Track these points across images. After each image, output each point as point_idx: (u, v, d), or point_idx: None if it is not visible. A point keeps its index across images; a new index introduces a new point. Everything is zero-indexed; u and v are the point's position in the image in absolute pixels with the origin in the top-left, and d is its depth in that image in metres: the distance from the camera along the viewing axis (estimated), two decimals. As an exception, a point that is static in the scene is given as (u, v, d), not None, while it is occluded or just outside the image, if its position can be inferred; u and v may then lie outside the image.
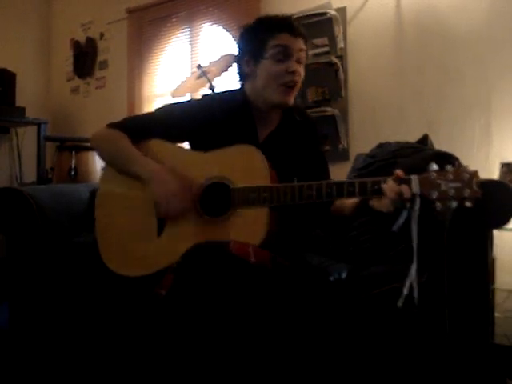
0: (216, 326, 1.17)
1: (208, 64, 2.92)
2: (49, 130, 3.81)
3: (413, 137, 2.12)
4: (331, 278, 1.47)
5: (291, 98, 1.47)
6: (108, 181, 1.55)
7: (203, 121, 1.49)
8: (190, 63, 3.71)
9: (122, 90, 3.98)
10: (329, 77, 2.94)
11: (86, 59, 4.23)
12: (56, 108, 4.47)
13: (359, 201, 1.36)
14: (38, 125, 3.67)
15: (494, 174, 2.35)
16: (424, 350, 1.40)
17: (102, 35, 4.18)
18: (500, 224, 1.42)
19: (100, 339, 1.62)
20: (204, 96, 1.61)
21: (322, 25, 2.93)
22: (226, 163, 1.41)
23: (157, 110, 1.59)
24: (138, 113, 3.86)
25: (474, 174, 1.17)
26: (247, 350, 1.20)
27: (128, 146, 1.47)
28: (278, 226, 1.38)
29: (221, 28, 3.55)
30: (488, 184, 1.32)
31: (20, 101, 3.77)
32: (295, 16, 2.92)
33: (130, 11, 3.95)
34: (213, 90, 2.92)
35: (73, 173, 3.20)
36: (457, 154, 1.82)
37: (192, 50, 3.72)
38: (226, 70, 3.01)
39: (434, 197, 1.18)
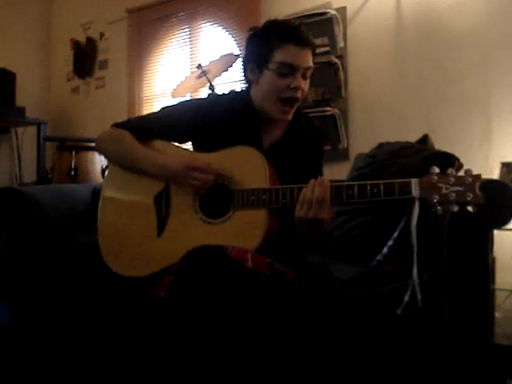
0: (213, 329, 1.17)
1: (208, 64, 2.92)
2: (49, 129, 3.80)
3: (413, 137, 2.12)
4: (343, 278, 1.46)
5: (290, 114, 1.45)
6: (111, 182, 1.56)
7: (207, 122, 1.49)
8: (189, 63, 3.71)
9: (122, 90, 3.98)
10: (329, 76, 2.94)
11: (85, 59, 4.23)
12: (56, 108, 4.47)
13: None
14: (38, 125, 3.66)
15: (494, 173, 2.35)
16: (424, 350, 1.40)
17: (101, 35, 4.18)
18: (500, 224, 1.41)
19: (99, 339, 1.62)
20: (209, 96, 1.60)
21: (322, 25, 2.92)
22: (227, 164, 1.41)
23: (160, 110, 1.58)
24: (137, 113, 3.87)
25: (477, 177, 1.15)
26: (244, 353, 1.20)
27: (134, 144, 1.48)
28: (277, 228, 1.38)
29: (220, 28, 3.55)
30: (488, 184, 1.32)
31: (20, 101, 3.76)
32: (295, 16, 2.93)
33: (129, 11, 3.95)
34: (213, 90, 2.92)
35: (73, 173, 3.19)
36: (457, 154, 1.82)
37: (192, 50, 3.72)
38: (226, 70, 3.01)
39: (435, 200, 1.16)
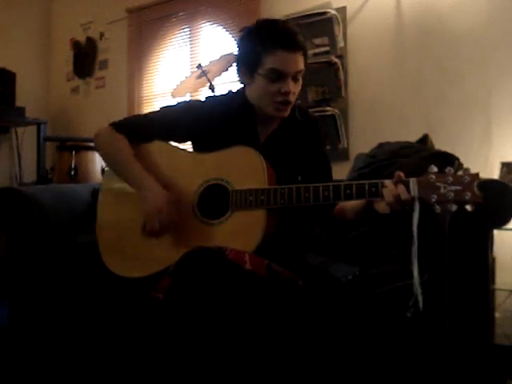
0: (211, 331, 1.16)
1: (208, 64, 2.91)
2: (48, 129, 3.80)
3: (413, 137, 2.12)
4: (348, 277, 1.46)
5: (286, 112, 1.45)
6: (110, 182, 1.56)
7: (205, 122, 1.49)
8: (189, 63, 3.71)
9: (122, 90, 3.98)
10: (329, 76, 2.94)
11: (85, 59, 4.23)
12: (56, 108, 4.46)
13: (363, 205, 1.35)
14: (38, 125, 3.66)
15: (494, 173, 2.35)
16: (424, 350, 1.39)
17: (101, 35, 4.18)
18: (500, 224, 1.42)
19: (98, 340, 1.62)
20: (206, 97, 1.60)
21: (322, 24, 2.92)
22: (225, 164, 1.41)
23: (159, 110, 1.58)
24: (137, 113, 3.86)
25: (475, 176, 1.14)
26: (242, 354, 1.20)
27: (124, 152, 1.47)
28: (275, 228, 1.38)
29: (220, 28, 3.54)
30: (488, 184, 1.32)
31: (20, 100, 3.76)
32: (295, 16, 2.93)
33: (129, 11, 3.95)
34: (213, 90, 2.92)
35: (73, 173, 3.19)
36: (457, 153, 1.83)
37: (192, 50, 3.72)
38: (226, 70, 3.00)
39: (433, 200, 1.16)
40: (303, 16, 2.93)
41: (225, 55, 2.96)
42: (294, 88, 1.42)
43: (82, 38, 4.27)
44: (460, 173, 1.16)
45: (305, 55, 1.42)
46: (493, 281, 2.01)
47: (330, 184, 1.28)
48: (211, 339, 1.16)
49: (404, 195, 1.19)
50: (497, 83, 2.50)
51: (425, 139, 2.07)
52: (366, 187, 1.24)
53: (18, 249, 1.79)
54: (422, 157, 1.84)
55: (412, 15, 2.75)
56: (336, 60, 2.90)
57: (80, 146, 3.28)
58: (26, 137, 4.04)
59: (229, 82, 3.37)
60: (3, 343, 1.86)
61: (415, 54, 2.75)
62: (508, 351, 1.90)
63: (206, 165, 1.44)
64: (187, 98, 3.26)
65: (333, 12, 2.91)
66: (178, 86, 3.03)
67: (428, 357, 1.39)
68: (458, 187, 1.15)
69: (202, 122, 1.49)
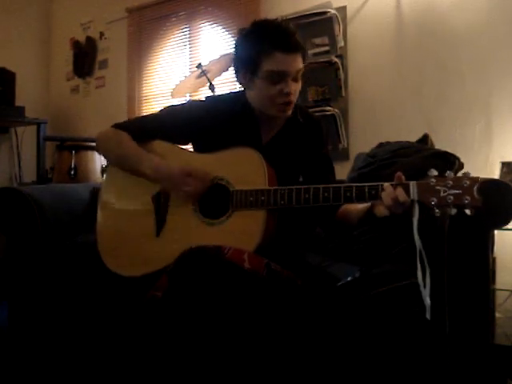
0: (209, 330, 1.16)
1: (208, 64, 2.91)
2: (48, 129, 3.79)
3: (413, 136, 2.12)
4: (349, 278, 1.46)
5: (289, 111, 1.45)
6: (111, 181, 1.56)
7: (207, 123, 1.49)
8: (189, 63, 3.71)
9: (122, 90, 3.98)
10: (329, 76, 2.94)
11: (85, 59, 4.23)
12: (56, 108, 4.46)
13: (365, 209, 1.35)
14: (38, 124, 3.66)
15: (495, 173, 2.35)
16: (424, 350, 1.39)
17: (101, 35, 4.18)
18: (500, 224, 1.41)
19: (98, 339, 1.62)
20: (207, 97, 1.60)
21: (322, 24, 2.92)
22: (226, 165, 1.41)
23: (161, 111, 1.58)
24: (137, 112, 3.87)
25: (475, 180, 1.14)
26: (241, 353, 1.20)
27: (133, 147, 1.48)
28: (275, 228, 1.38)
29: (220, 28, 3.54)
30: (488, 184, 1.32)
31: (19, 100, 3.76)
32: (295, 16, 2.92)
33: (129, 11, 3.95)
34: (213, 90, 2.92)
35: (72, 172, 3.19)
36: (457, 153, 1.82)
37: (191, 50, 3.72)
38: (226, 70, 3.00)
39: (433, 203, 1.16)
40: (303, 16, 2.93)
41: (225, 55, 2.96)
42: (295, 87, 1.42)
43: (81, 38, 4.27)
44: (460, 176, 1.16)
45: (303, 54, 1.42)
46: (493, 281, 2.00)
47: (331, 186, 1.28)
48: (210, 338, 1.16)
49: (403, 198, 1.18)
50: (497, 83, 2.50)
51: (425, 139, 2.07)
52: (366, 190, 1.24)
53: (17, 249, 1.78)
54: (422, 157, 1.83)
55: (412, 15, 2.75)
56: (336, 60, 2.90)
57: (80, 145, 3.28)
58: (26, 136, 4.04)
59: (229, 82, 3.37)
60: (3, 343, 1.86)
61: (415, 53, 2.74)
62: (508, 351, 1.90)
63: (207, 165, 1.44)
64: (187, 97, 3.27)
65: (333, 12, 2.91)
66: (177, 85, 3.03)
67: (428, 357, 1.39)
68: (457, 191, 1.14)
69: (204, 123, 1.49)
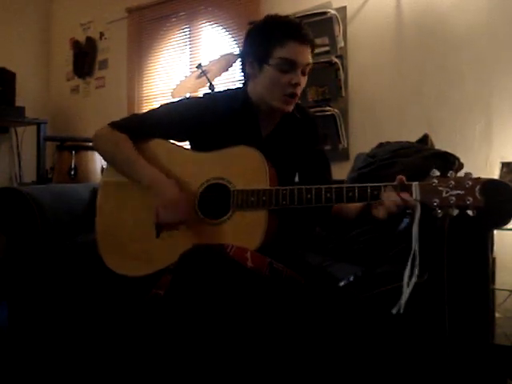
0: (212, 328, 1.16)
1: (208, 64, 2.91)
2: (48, 129, 3.80)
3: (413, 137, 2.12)
4: (350, 279, 1.46)
5: (291, 106, 1.46)
6: (109, 181, 1.55)
7: (205, 120, 1.48)
8: (189, 63, 3.71)
9: (122, 90, 3.98)
10: (329, 76, 2.94)
11: (85, 59, 4.23)
12: (56, 108, 4.46)
13: (362, 207, 1.35)
14: (38, 124, 3.66)
15: (495, 173, 2.35)
16: (424, 350, 1.39)
17: (101, 35, 4.18)
18: (500, 224, 1.41)
19: (99, 338, 1.62)
20: (205, 94, 1.60)
21: (322, 24, 2.92)
22: (226, 164, 1.41)
23: (158, 108, 1.57)
24: (137, 112, 3.86)
25: (477, 181, 1.14)
26: (243, 352, 1.20)
27: (129, 151, 1.46)
28: (276, 228, 1.38)
29: (220, 28, 3.54)
30: (488, 184, 1.32)
31: (19, 100, 3.76)
32: (295, 16, 2.92)
33: (129, 11, 3.95)
34: (213, 90, 2.91)
35: (72, 172, 3.19)
36: (457, 153, 1.82)
37: (192, 50, 3.72)
38: (226, 70, 3.01)
39: (435, 204, 1.16)
40: (303, 16, 2.92)
41: (225, 55, 2.96)
42: (303, 80, 1.44)
43: (81, 38, 4.27)
44: (462, 177, 1.16)
45: (313, 49, 1.45)
46: (493, 281, 2.00)
47: (333, 186, 1.28)
48: (212, 336, 1.16)
49: (405, 201, 1.18)
50: (497, 83, 2.50)
51: (425, 139, 2.07)
52: (369, 190, 1.24)
53: (17, 249, 1.78)
54: (422, 157, 1.84)
55: (412, 15, 2.75)
56: (336, 60, 2.90)
57: (80, 145, 3.28)
58: (26, 136, 4.04)
59: (229, 82, 3.38)
60: (3, 343, 1.86)
61: (415, 53, 2.74)
62: (508, 351, 1.90)
63: (208, 164, 1.43)
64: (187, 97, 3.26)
65: (333, 12, 2.91)
66: (177, 85, 3.03)
67: (428, 357, 1.39)
68: (459, 192, 1.14)
69: (203, 119, 1.48)
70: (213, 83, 2.93)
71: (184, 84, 3.02)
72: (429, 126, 2.56)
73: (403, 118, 2.76)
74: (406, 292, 1.20)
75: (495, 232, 1.89)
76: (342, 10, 2.93)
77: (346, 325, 1.38)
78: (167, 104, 1.58)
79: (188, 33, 3.72)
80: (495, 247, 1.96)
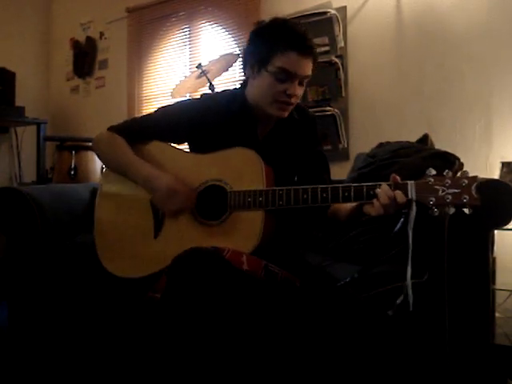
0: (207, 331, 1.16)
1: (208, 64, 2.91)
2: (48, 129, 3.80)
3: (413, 136, 2.12)
4: (348, 279, 1.46)
5: (286, 112, 1.44)
6: (108, 182, 1.56)
7: (202, 121, 1.48)
8: (189, 63, 3.71)
9: (122, 90, 3.98)
10: (329, 76, 2.94)
11: (85, 59, 4.23)
12: (55, 107, 4.46)
13: (354, 206, 1.34)
14: (38, 124, 3.66)
15: (495, 173, 2.35)
16: (424, 351, 1.39)
17: (101, 35, 4.18)
18: (500, 224, 1.41)
19: (97, 340, 1.62)
20: (203, 96, 1.60)
21: (322, 24, 2.92)
22: (223, 166, 1.41)
23: (156, 111, 1.58)
24: (137, 113, 3.87)
25: (474, 179, 1.14)
26: (239, 355, 1.20)
27: (127, 153, 1.47)
28: (273, 229, 1.38)
29: (220, 28, 3.54)
30: (488, 184, 1.32)
31: (19, 100, 3.76)
32: (295, 16, 2.92)
33: (129, 11, 3.95)
34: (213, 90, 2.91)
35: (72, 172, 3.19)
36: (457, 153, 1.82)
37: (192, 50, 3.72)
38: (226, 70, 3.00)
39: (431, 203, 1.16)
40: (303, 16, 2.93)
41: (225, 55, 2.96)
42: (299, 91, 1.42)
43: (81, 38, 4.27)
44: (458, 175, 1.16)
45: (314, 62, 1.43)
46: (493, 281, 2.00)
47: (329, 186, 1.28)
48: (208, 340, 1.16)
49: (401, 199, 1.18)
50: (497, 83, 2.50)
51: (425, 139, 2.07)
52: (364, 189, 1.24)
53: (17, 249, 1.78)
54: (422, 157, 1.83)
55: (412, 15, 2.75)
56: (336, 60, 2.90)
57: (80, 145, 3.28)
58: (26, 136, 4.04)
59: (229, 82, 3.37)
60: (3, 343, 1.86)
61: (415, 53, 2.74)
62: (508, 351, 1.90)
63: (205, 165, 1.44)
64: (187, 97, 3.26)
65: (333, 12, 2.91)
66: (177, 85, 3.03)
67: (428, 357, 1.39)
68: (456, 190, 1.14)
69: (201, 121, 1.48)
70: (213, 83, 2.93)
71: (184, 84, 3.02)
72: (429, 125, 2.56)
73: (403, 118, 2.76)
74: (410, 291, 1.20)
75: (495, 232, 1.89)
76: (342, 9, 2.93)
77: (343, 326, 1.38)
78: (165, 107, 1.58)
79: (188, 33, 3.72)
80: (495, 247, 1.96)
